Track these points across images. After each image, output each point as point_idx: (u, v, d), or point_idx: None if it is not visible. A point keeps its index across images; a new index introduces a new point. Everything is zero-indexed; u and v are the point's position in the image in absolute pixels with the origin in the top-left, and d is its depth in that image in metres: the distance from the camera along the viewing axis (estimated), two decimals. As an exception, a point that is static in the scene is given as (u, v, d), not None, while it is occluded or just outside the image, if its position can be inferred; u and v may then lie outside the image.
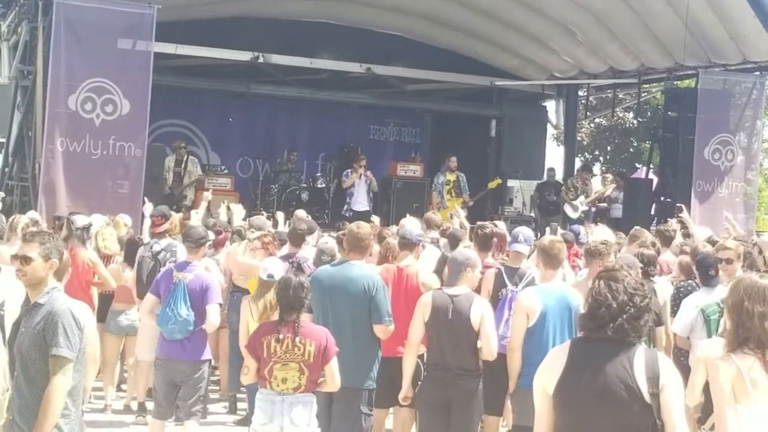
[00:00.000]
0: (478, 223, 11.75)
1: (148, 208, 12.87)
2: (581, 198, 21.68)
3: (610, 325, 4.61)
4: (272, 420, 7.30)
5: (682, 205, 15.43)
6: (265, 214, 15.92)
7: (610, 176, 23.30)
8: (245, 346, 7.64)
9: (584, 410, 4.63)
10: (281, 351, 7.22)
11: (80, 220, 11.68)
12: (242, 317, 9.15)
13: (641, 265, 9.30)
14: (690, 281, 9.72)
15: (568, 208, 21.52)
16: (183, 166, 20.04)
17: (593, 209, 22.09)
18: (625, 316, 4.62)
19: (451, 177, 21.32)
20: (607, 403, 4.57)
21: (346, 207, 21.01)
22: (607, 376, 4.58)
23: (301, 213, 14.85)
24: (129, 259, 11.45)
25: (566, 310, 7.96)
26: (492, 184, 21.40)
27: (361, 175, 21.07)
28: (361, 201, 20.99)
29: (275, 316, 7.85)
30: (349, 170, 21.26)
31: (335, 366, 7.33)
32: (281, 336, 7.23)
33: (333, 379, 7.34)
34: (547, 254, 8.31)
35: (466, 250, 8.89)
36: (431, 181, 21.95)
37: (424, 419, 8.12)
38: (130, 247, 11.51)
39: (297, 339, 7.21)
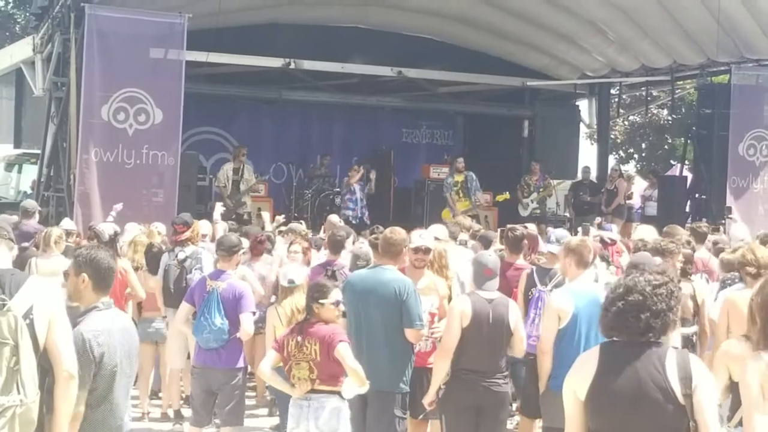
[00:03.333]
0: (509, 225, 11.72)
1: (218, 209, 12.91)
2: (534, 195, 21.62)
3: (603, 320, 4.69)
4: (299, 425, 7.43)
5: (731, 206, 15.41)
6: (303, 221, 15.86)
7: (633, 175, 23.23)
8: (276, 344, 7.73)
9: (619, 414, 4.61)
10: (295, 350, 7.40)
11: (107, 230, 11.75)
12: (268, 324, 9.23)
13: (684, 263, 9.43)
14: (735, 274, 9.70)
15: (519, 207, 21.46)
16: (240, 174, 20.10)
17: (638, 208, 22.10)
18: (613, 309, 4.65)
19: (459, 178, 21.17)
20: (642, 406, 4.55)
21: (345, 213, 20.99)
22: (640, 379, 4.56)
23: (334, 218, 14.89)
24: (150, 267, 11.51)
25: (597, 311, 7.90)
26: (500, 198, 21.30)
27: (348, 183, 21.12)
28: (351, 208, 20.95)
29: None
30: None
31: (343, 350, 7.30)
32: (294, 336, 7.44)
33: (344, 362, 7.29)
34: (576, 254, 8.29)
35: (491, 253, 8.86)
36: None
37: (453, 424, 8.01)
38: (150, 255, 11.55)
39: (306, 339, 7.36)
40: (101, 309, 5.66)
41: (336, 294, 7.60)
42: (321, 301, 7.47)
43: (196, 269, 10.85)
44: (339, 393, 7.41)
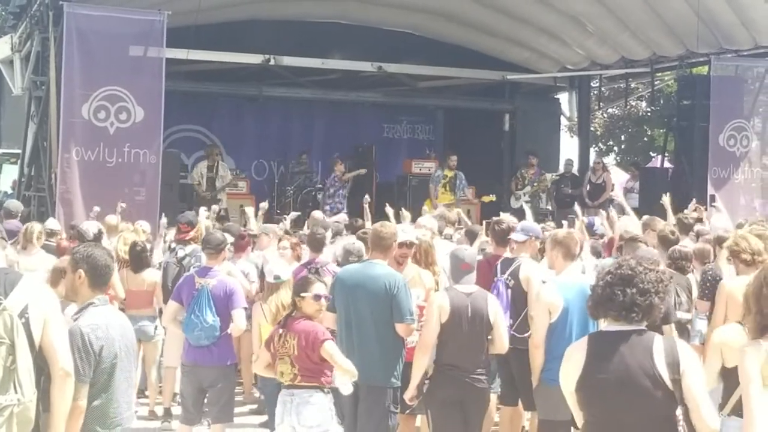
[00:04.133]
0: (494, 218, 11.73)
1: (203, 214, 12.91)
2: (527, 188, 21.69)
3: (592, 296, 4.78)
4: (283, 420, 7.51)
5: (715, 194, 15.48)
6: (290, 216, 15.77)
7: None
8: (265, 341, 7.83)
9: (608, 402, 4.65)
10: (279, 345, 7.51)
11: (91, 228, 11.66)
12: (254, 320, 9.21)
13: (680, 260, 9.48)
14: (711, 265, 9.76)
15: (512, 199, 21.53)
16: (215, 171, 20.09)
17: (615, 201, 22.09)
18: (601, 282, 4.73)
19: (449, 173, 21.25)
20: (631, 393, 4.59)
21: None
22: (628, 366, 4.61)
23: (318, 214, 14.86)
24: (134, 265, 11.43)
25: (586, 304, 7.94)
26: (486, 199, 21.36)
27: (341, 179, 21.19)
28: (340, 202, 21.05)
29: None
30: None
31: (330, 348, 7.38)
32: (277, 330, 7.61)
33: (333, 360, 7.38)
34: (562, 247, 8.30)
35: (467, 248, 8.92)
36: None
37: (440, 418, 8.02)
38: (134, 254, 11.47)
39: (288, 334, 7.47)
40: (97, 305, 5.68)
41: (318, 288, 7.66)
42: (302, 294, 7.58)
43: (194, 267, 10.80)
44: (322, 389, 7.47)
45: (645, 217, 12.89)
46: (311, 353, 7.38)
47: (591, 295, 4.83)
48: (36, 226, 11.73)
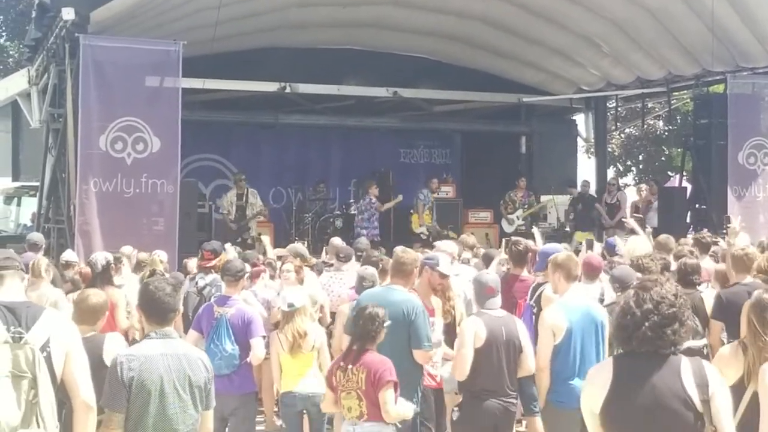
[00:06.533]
0: (513, 238, 11.78)
1: (231, 251, 12.88)
2: (519, 212, 21.69)
3: (635, 334, 4.58)
4: None
5: (730, 215, 15.39)
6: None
7: (644, 186, 23.17)
8: (327, 378, 7.69)
9: (637, 425, 4.56)
10: (344, 380, 7.32)
11: (99, 259, 11.62)
12: (272, 351, 9.17)
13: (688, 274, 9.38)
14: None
15: (504, 223, 21.47)
16: (245, 199, 20.08)
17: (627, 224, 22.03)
18: (647, 324, 4.55)
19: (433, 198, 21.48)
20: (661, 415, 4.51)
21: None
22: (656, 388, 4.52)
23: (336, 240, 14.84)
24: None
25: (591, 325, 7.95)
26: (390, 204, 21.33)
27: (379, 207, 20.95)
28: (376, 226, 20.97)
29: (305, 344, 8.42)
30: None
31: (388, 396, 7.24)
32: (343, 365, 7.36)
33: (384, 407, 7.25)
34: (563, 269, 8.27)
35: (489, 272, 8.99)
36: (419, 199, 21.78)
37: None
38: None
39: (353, 367, 7.28)
40: (152, 338, 5.70)
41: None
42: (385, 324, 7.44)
43: (214, 297, 10.77)
44: (386, 424, 7.32)
45: (661, 236, 12.83)
46: (376, 389, 7.23)
47: (630, 330, 4.59)
48: (43, 260, 11.64)
